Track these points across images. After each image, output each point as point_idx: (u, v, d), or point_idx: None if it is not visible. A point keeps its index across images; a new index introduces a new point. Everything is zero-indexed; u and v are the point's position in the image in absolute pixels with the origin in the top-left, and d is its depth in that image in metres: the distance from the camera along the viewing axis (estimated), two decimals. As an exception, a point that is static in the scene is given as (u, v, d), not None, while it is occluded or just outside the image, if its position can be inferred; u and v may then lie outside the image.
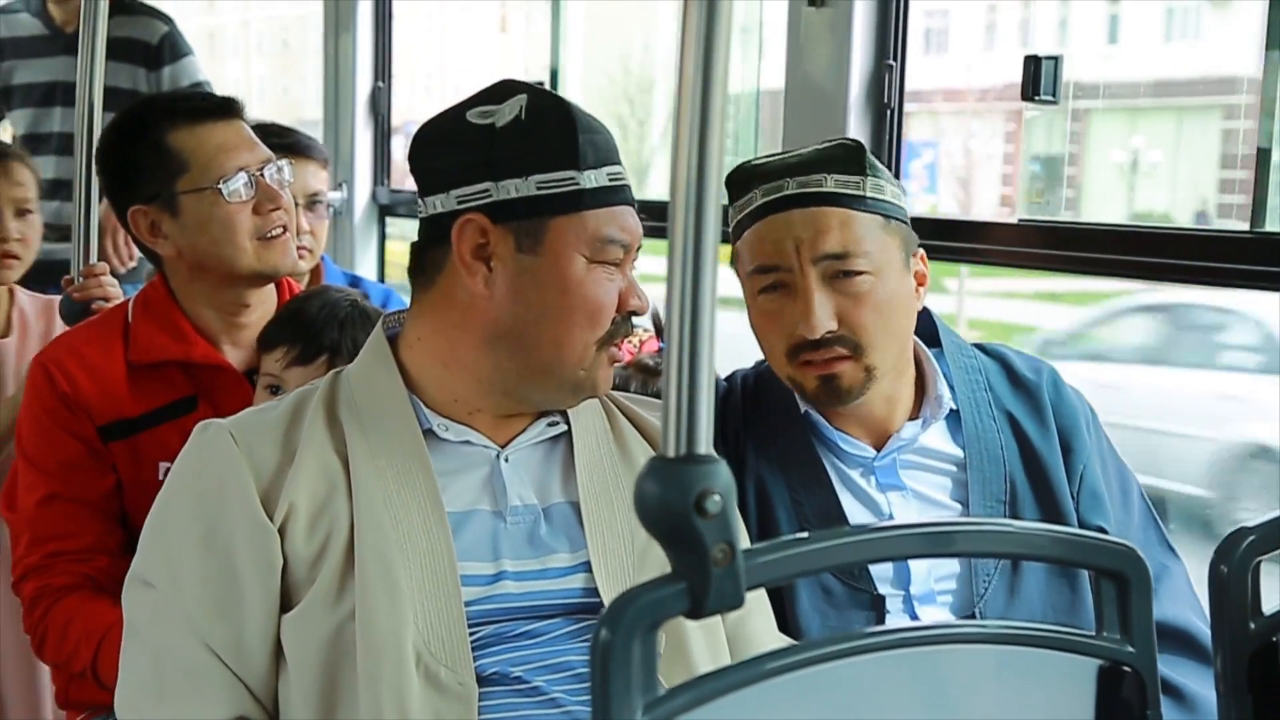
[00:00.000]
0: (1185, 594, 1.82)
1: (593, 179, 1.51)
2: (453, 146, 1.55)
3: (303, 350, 1.94)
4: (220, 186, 2.01)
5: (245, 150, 2.06)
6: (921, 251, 1.83)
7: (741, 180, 1.81)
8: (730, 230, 1.83)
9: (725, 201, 1.85)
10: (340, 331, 1.95)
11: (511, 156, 1.51)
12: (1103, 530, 1.81)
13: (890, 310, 1.75)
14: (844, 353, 1.74)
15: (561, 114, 1.53)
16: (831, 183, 1.74)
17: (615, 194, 1.54)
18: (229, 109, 2.09)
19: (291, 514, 1.48)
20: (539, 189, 1.51)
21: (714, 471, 0.95)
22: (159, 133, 2.03)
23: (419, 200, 1.58)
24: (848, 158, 1.77)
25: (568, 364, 1.54)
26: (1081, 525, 1.81)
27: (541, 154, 1.51)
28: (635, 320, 1.60)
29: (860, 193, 1.75)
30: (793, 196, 1.75)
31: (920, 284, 1.82)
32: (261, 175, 2.04)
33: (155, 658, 1.49)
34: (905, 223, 1.80)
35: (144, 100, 2.18)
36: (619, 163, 1.56)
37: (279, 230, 2.06)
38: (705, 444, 0.96)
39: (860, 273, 1.73)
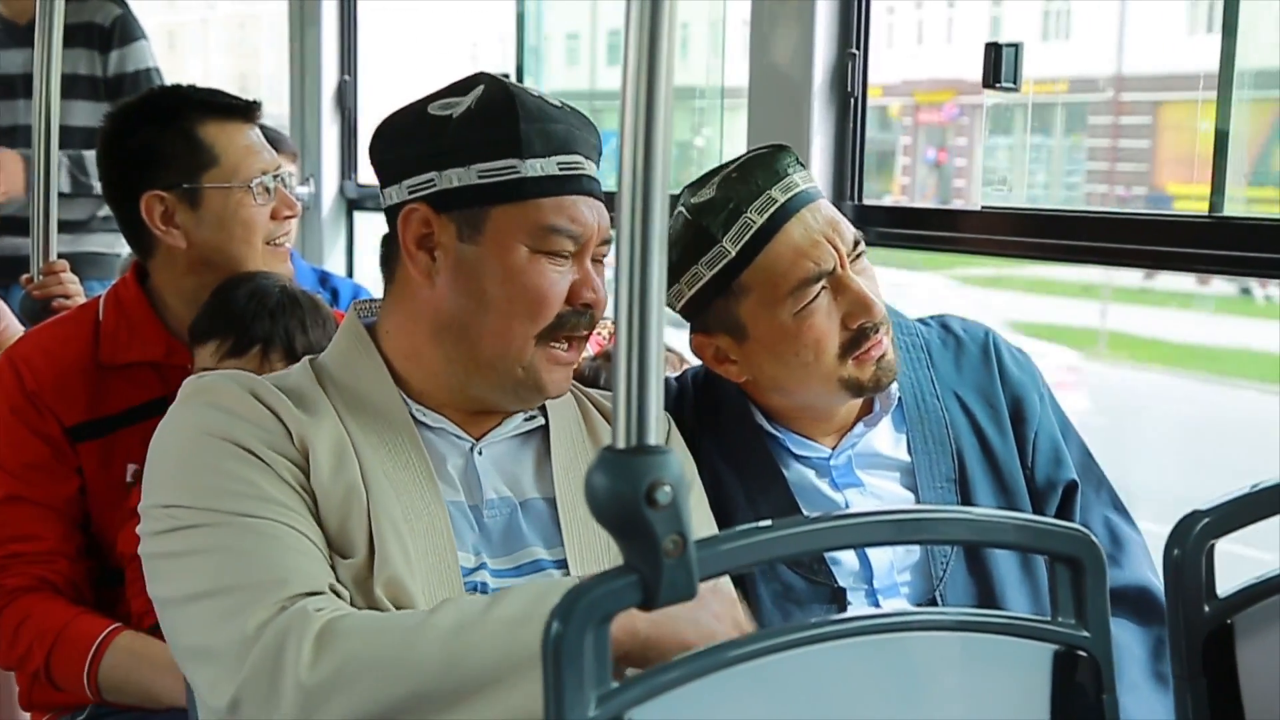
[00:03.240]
0: (1144, 559, 1.82)
1: (538, 168, 1.50)
2: (406, 138, 1.54)
3: (235, 342, 1.92)
4: (252, 187, 2.03)
5: (266, 154, 2.09)
6: None
7: (714, 218, 1.72)
8: (710, 276, 1.72)
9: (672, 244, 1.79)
10: (272, 321, 1.94)
11: (457, 147, 1.50)
12: (1073, 484, 1.82)
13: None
14: (884, 330, 1.74)
15: (506, 104, 1.51)
16: (800, 179, 1.73)
17: (565, 184, 1.51)
18: (252, 113, 2.10)
19: (312, 455, 1.45)
20: (480, 178, 1.49)
21: (664, 462, 0.95)
22: (188, 123, 2.04)
23: (380, 192, 1.58)
24: (789, 155, 1.75)
25: (508, 357, 1.52)
26: (1046, 487, 1.82)
27: (484, 143, 1.50)
28: (605, 313, 1.59)
29: (815, 183, 1.77)
30: (790, 203, 1.71)
31: None
32: (279, 183, 2.07)
33: (250, 546, 1.40)
34: None
35: (171, 89, 2.20)
36: (578, 152, 1.53)
37: (285, 238, 2.10)
38: (655, 435, 0.96)
39: (863, 250, 1.75)
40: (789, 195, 1.71)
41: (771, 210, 1.70)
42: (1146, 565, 1.82)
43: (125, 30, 3.49)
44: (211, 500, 1.43)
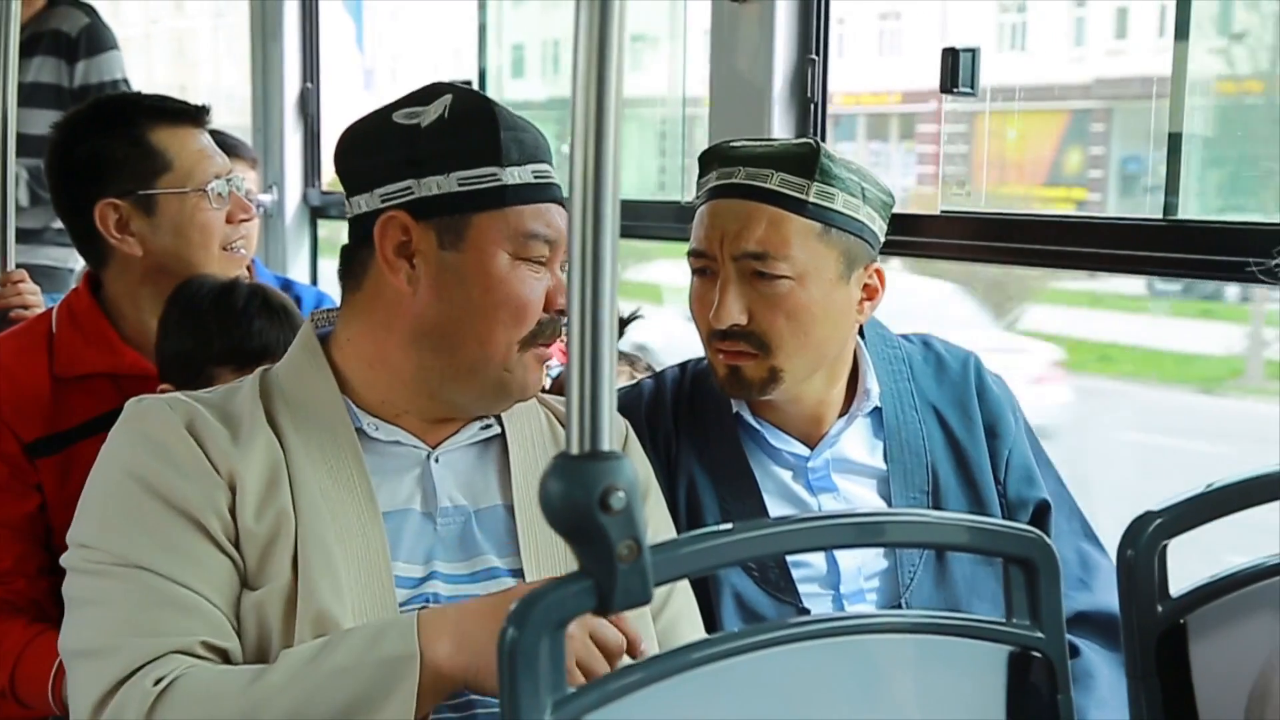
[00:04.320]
0: (1114, 588, 1.84)
1: (516, 175, 1.51)
2: (376, 146, 1.54)
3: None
4: (207, 191, 2.01)
5: (219, 158, 2.07)
6: (877, 266, 1.81)
7: (708, 160, 1.83)
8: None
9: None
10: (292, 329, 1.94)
11: (434, 155, 1.51)
12: (1045, 505, 1.84)
13: (808, 318, 1.74)
14: (748, 349, 1.75)
15: (484, 112, 1.53)
16: (776, 180, 1.74)
17: (540, 191, 1.53)
18: (202, 117, 2.08)
19: (239, 491, 1.45)
20: (460, 185, 1.50)
21: (618, 468, 0.95)
22: (139, 129, 2.02)
23: (345, 201, 1.58)
24: (800, 159, 1.76)
25: (492, 362, 1.53)
26: (1017, 504, 1.84)
27: (464, 151, 1.51)
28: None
29: (802, 197, 1.74)
30: (735, 186, 1.76)
31: (868, 298, 1.81)
32: (232, 186, 2.05)
33: (128, 604, 1.42)
34: (856, 235, 1.77)
35: (119, 96, 2.17)
36: (547, 161, 1.55)
37: (241, 243, 2.07)
38: (609, 441, 0.96)
39: (779, 276, 1.73)
40: (743, 183, 1.76)
41: (722, 183, 1.78)
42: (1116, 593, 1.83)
43: (93, 40, 3.46)
44: (114, 546, 1.44)
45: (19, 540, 1.93)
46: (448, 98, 1.53)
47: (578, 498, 0.95)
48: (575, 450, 0.95)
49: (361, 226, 1.54)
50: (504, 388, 1.55)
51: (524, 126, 1.55)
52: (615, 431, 0.98)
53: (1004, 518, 1.81)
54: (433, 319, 1.52)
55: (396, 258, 1.52)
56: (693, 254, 1.80)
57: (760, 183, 1.75)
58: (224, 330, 1.92)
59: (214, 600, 1.42)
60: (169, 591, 1.41)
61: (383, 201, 1.52)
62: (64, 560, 1.49)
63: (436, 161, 1.50)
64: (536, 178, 1.53)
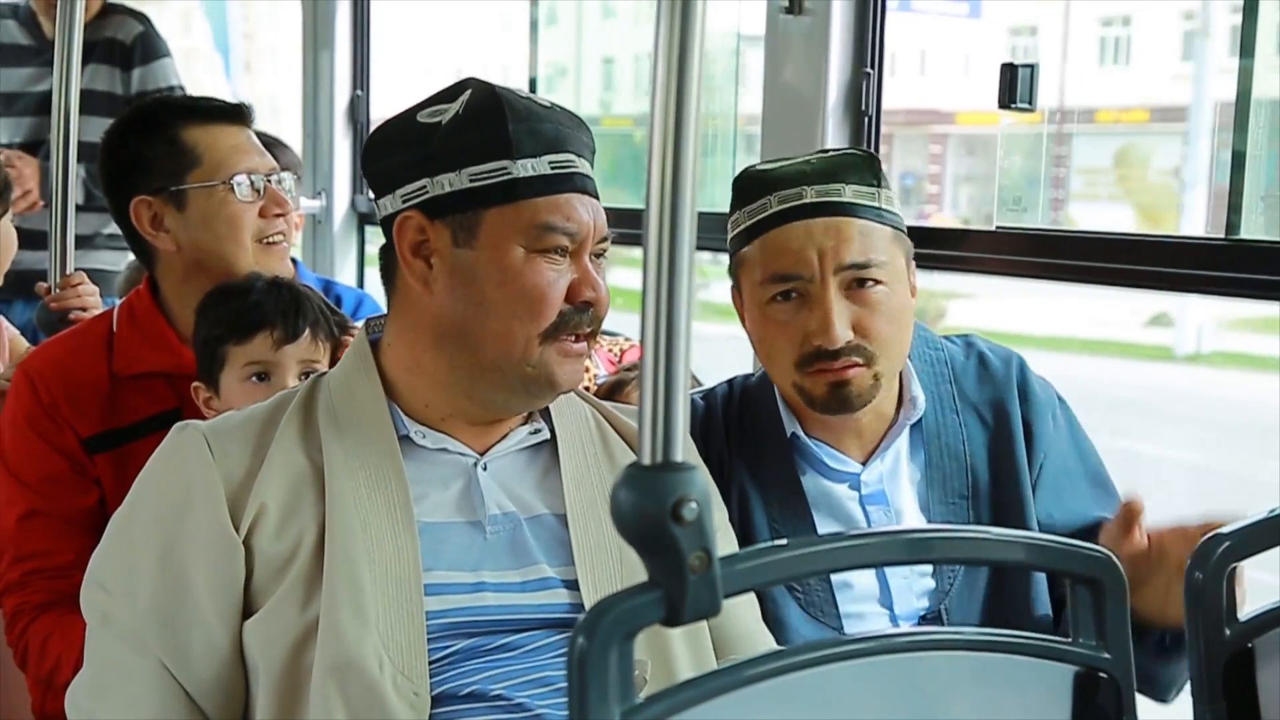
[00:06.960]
0: None
1: (529, 168, 1.50)
2: (397, 146, 1.54)
3: (292, 328, 1.94)
4: (233, 184, 2.03)
5: (256, 155, 2.09)
6: (913, 264, 1.83)
7: (751, 186, 1.80)
8: (732, 236, 1.82)
9: (717, 208, 1.87)
10: (312, 308, 1.97)
11: (447, 152, 1.50)
12: (1095, 525, 1.79)
13: (900, 321, 1.76)
14: (858, 361, 1.73)
15: (495, 105, 1.51)
16: (850, 192, 1.75)
17: (558, 182, 1.51)
18: (241, 115, 2.12)
19: (261, 515, 1.47)
20: (471, 181, 1.49)
21: (690, 479, 0.95)
22: (173, 128, 2.06)
23: (375, 203, 1.58)
24: (864, 167, 1.78)
25: (512, 358, 1.51)
26: (1040, 518, 1.81)
27: (474, 147, 1.50)
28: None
29: (876, 204, 1.76)
30: (812, 205, 1.74)
31: (912, 295, 1.82)
32: (269, 182, 2.07)
33: (102, 656, 1.50)
34: (905, 234, 1.80)
35: (158, 99, 2.21)
36: (570, 151, 1.53)
37: (279, 237, 2.09)
38: (681, 451, 0.96)
39: (878, 282, 1.74)
40: (818, 200, 1.74)
41: (791, 204, 1.75)
42: None
43: (147, 48, 3.49)
44: (119, 602, 1.50)
45: (80, 534, 1.96)
46: (467, 94, 1.53)
47: (649, 508, 0.94)
48: (648, 460, 0.95)
49: (387, 228, 1.55)
50: (531, 383, 1.53)
51: (544, 117, 1.53)
52: (687, 442, 0.98)
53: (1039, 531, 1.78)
54: (451, 318, 1.52)
55: (414, 258, 1.52)
56: (775, 279, 1.75)
57: (836, 197, 1.74)
58: (225, 305, 1.96)
59: (189, 686, 1.48)
60: (141, 674, 1.48)
61: (404, 202, 1.53)
62: (82, 597, 1.54)
63: (449, 159, 1.50)
64: (554, 168, 1.51)
